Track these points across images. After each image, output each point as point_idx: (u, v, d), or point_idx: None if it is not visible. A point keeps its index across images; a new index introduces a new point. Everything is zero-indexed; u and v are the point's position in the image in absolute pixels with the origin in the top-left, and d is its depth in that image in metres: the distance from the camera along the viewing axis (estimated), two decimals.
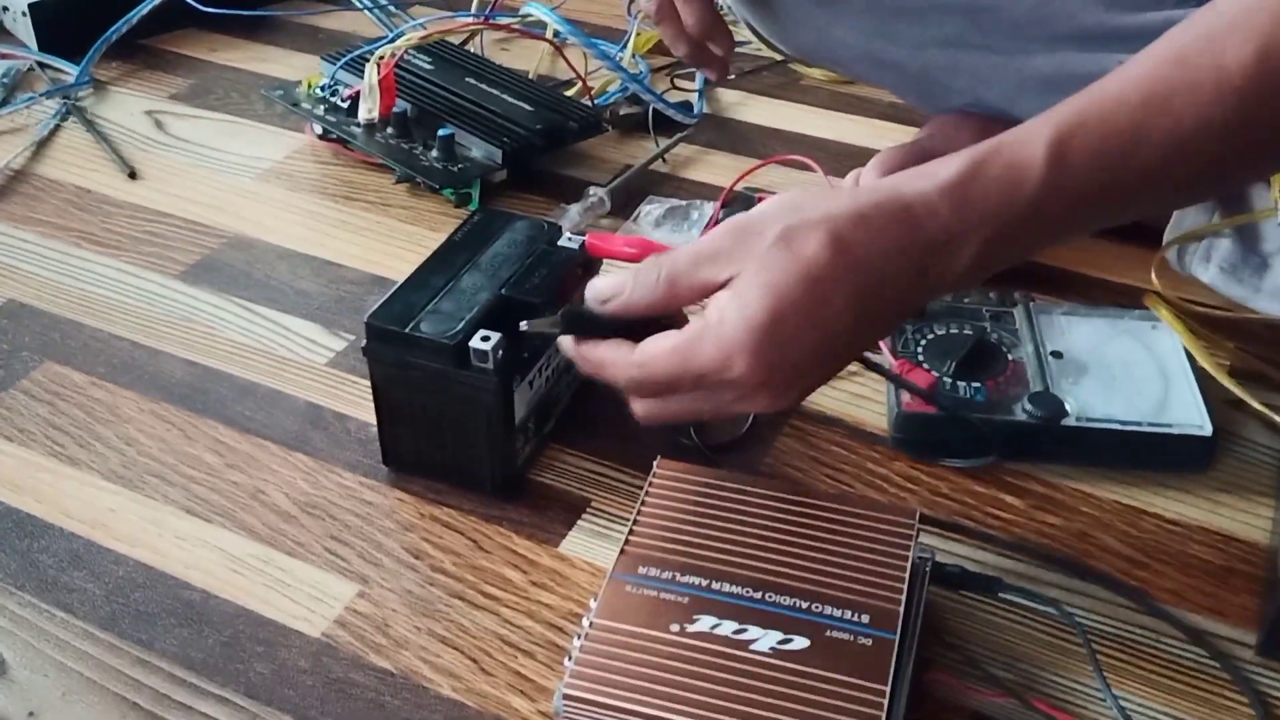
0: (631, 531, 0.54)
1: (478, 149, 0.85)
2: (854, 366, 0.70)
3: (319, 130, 0.90)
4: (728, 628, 0.49)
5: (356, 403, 0.68)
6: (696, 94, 1.00)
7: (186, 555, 0.59)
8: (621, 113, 0.95)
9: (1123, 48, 0.75)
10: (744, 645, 0.49)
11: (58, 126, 0.95)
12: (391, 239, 0.83)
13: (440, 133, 0.84)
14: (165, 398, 0.69)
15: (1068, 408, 0.64)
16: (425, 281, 0.62)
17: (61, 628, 0.55)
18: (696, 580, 0.52)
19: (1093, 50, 0.75)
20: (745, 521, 0.54)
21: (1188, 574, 0.59)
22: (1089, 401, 0.65)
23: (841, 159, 0.91)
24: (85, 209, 0.86)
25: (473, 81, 0.92)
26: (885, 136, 0.95)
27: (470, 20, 1.00)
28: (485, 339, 0.58)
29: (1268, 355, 0.72)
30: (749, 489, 0.56)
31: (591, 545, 0.60)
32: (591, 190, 0.85)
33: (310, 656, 0.54)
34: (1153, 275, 0.77)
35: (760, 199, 0.85)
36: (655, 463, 0.58)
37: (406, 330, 0.59)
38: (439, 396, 0.60)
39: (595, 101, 0.95)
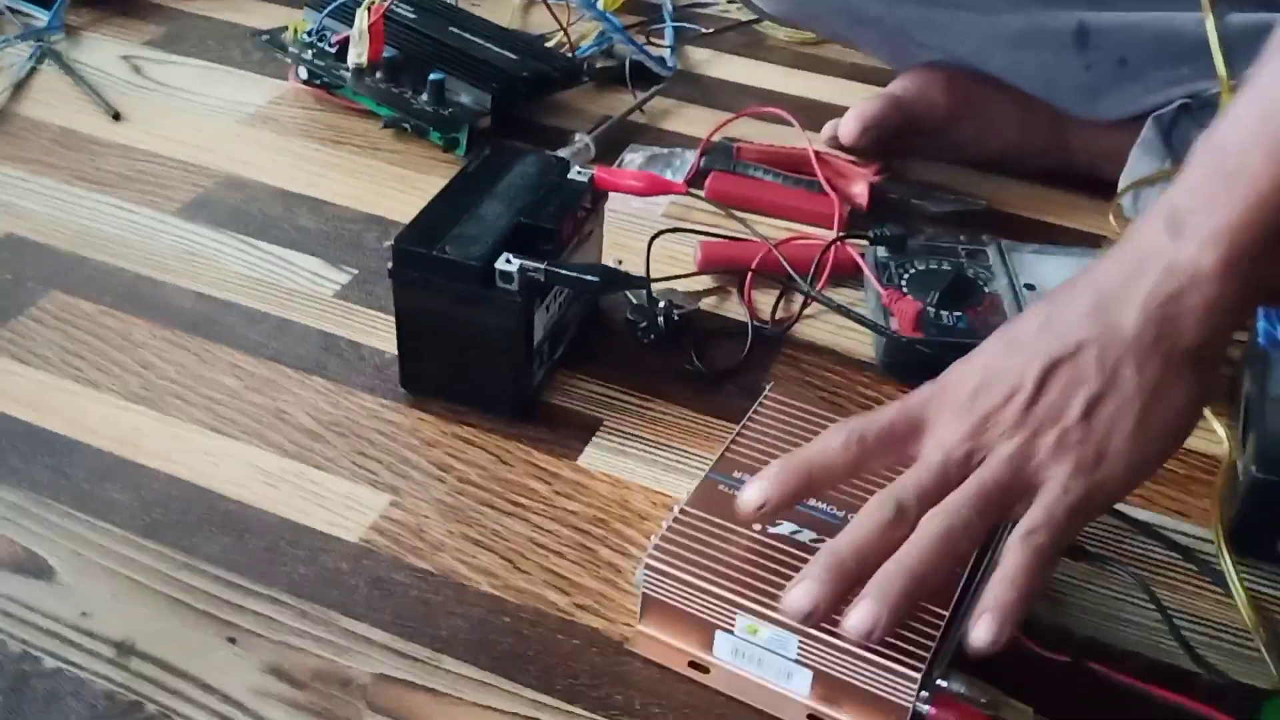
0: (733, 441, 0.58)
1: (466, 95, 0.88)
2: (854, 294, 0.74)
3: (304, 75, 0.92)
4: (806, 535, 0.52)
5: (369, 331, 0.71)
6: (668, 50, 1.03)
7: (218, 470, 0.61)
8: (599, 66, 0.98)
9: (1088, 4, 0.81)
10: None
11: (34, 69, 0.95)
12: (383, 181, 0.85)
13: (431, 77, 0.86)
14: (177, 325, 0.70)
15: None
16: (445, 209, 0.65)
17: (104, 536, 0.57)
18: None
19: (1058, 7, 0.81)
20: None
21: (1154, 481, 0.64)
22: None
23: (810, 113, 0.94)
24: (72, 148, 0.86)
25: (457, 31, 0.94)
26: (850, 94, 0.99)
27: None
28: (509, 261, 0.61)
29: None
30: None
31: (609, 459, 0.63)
32: (577, 136, 0.88)
33: (351, 559, 0.57)
34: (1111, 220, 0.83)
35: (738, 149, 0.88)
36: (767, 387, 0.61)
37: (433, 253, 0.61)
38: (463, 318, 0.62)
39: (575, 53, 0.97)
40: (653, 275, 0.72)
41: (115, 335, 0.69)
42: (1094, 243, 0.81)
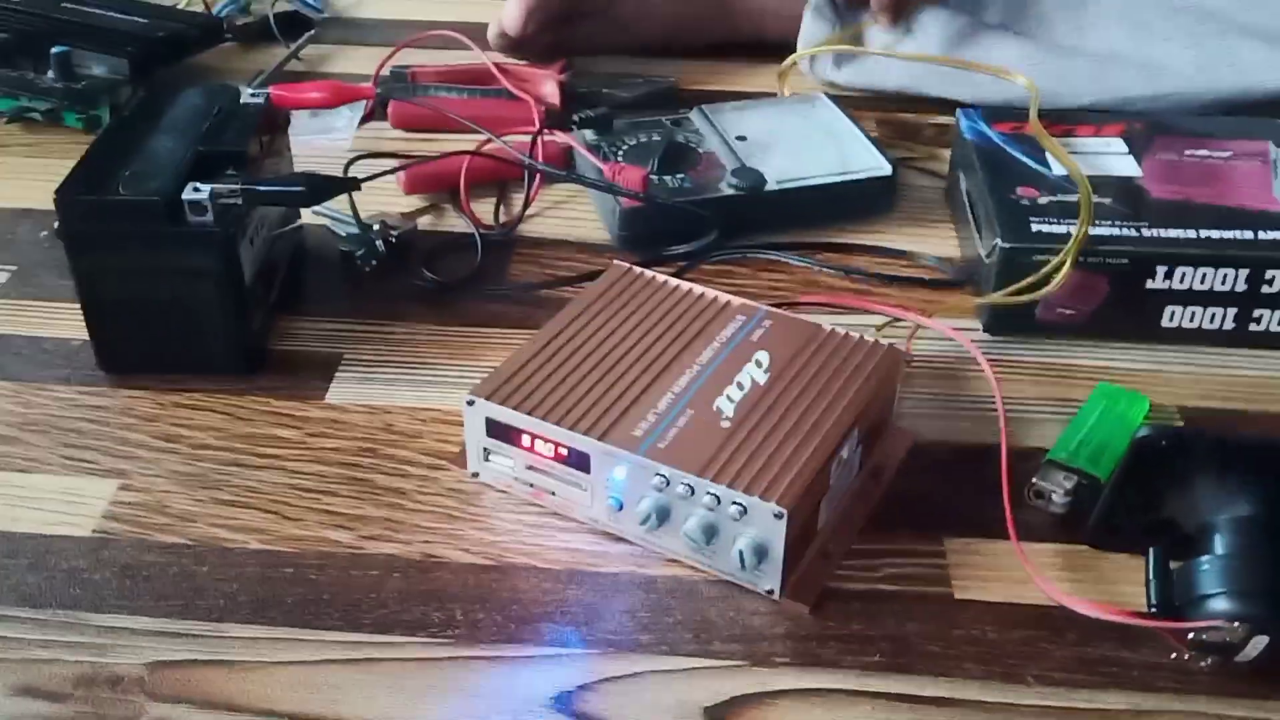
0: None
1: (99, 65, 0.78)
2: (573, 189, 0.71)
3: None
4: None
5: (45, 323, 0.61)
6: None
7: None
8: (239, 24, 0.90)
9: None
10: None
11: None
12: (22, 174, 0.74)
13: (54, 51, 0.76)
14: None
15: (766, 176, 0.68)
16: (107, 154, 0.56)
17: None
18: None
19: None
20: None
21: (906, 289, 0.65)
22: (782, 168, 0.69)
23: (479, 38, 0.90)
24: None
25: (71, 5, 0.84)
26: None
27: None
28: (198, 189, 0.53)
29: (905, 126, 0.81)
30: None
31: (359, 390, 0.57)
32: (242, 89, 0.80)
33: (88, 554, 0.48)
34: (785, 87, 0.83)
35: (413, 75, 0.83)
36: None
37: (107, 197, 0.53)
38: (156, 269, 0.55)
39: (212, 12, 0.89)
40: (360, 206, 0.66)
41: None
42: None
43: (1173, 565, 0.45)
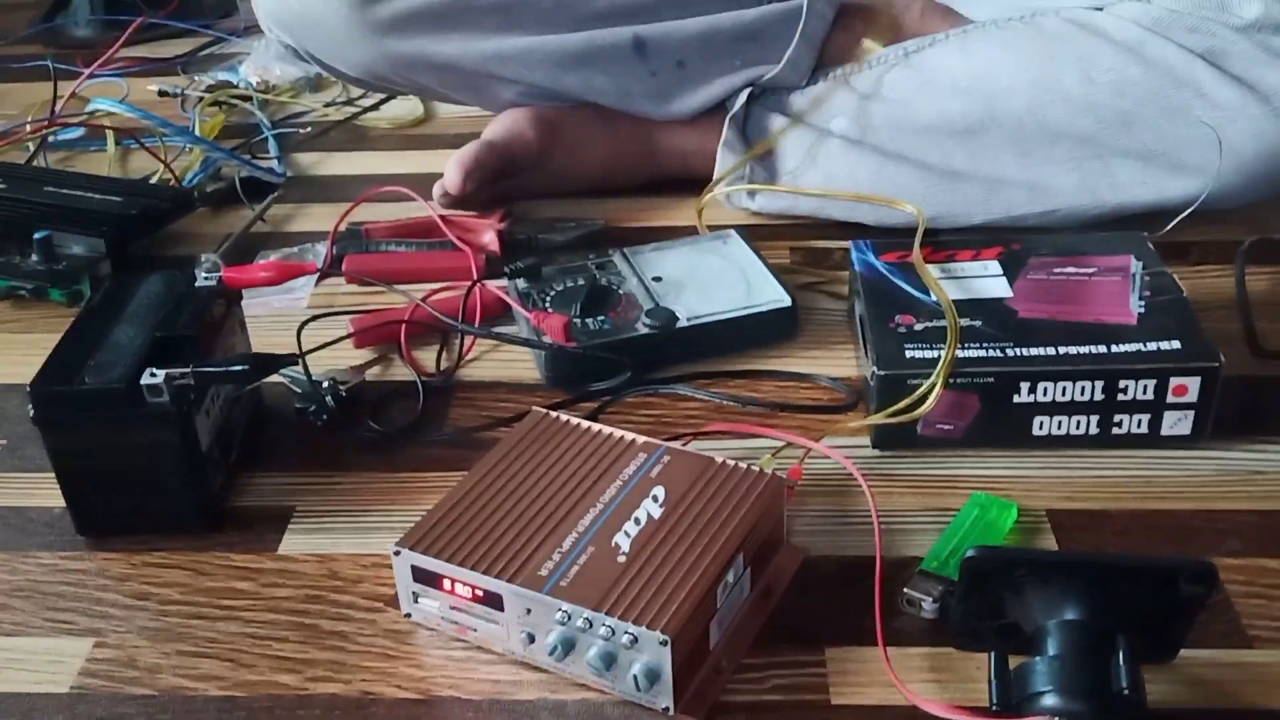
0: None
1: (78, 245, 0.86)
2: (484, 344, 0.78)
3: None
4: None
5: (31, 494, 0.68)
6: (276, 160, 1.05)
7: None
8: (209, 190, 0.98)
9: (639, 19, 0.90)
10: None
11: None
12: (11, 350, 0.82)
13: (36, 236, 0.84)
14: None
15: (678, 314, 0.75)
16: (75, 345, 0.64)
17: None
18: None
19: (613, 24, 0.89)
20: None
21: (808, 414, 0.71)
22: (693, 306, 0.76)
23: (429, 187, 0.98)
24: None
25: (53, 189, 0.92)
26: None
27: (35, 125, 0.99)
28: (153, 375, 0.60)
29: (815, 253, 0.88)
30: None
31: (309, 541, 0.64)
32: (204, 257, 0.87)
33: (65, 710, 0.55)
34: (703, 223, 0.91)
35: (366, 230, 0.91)
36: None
37: (74, 388, 0.60)
38: (122, 445, 0.62)
39: (183, 183, 0.98)
40: (316, 360, 0.73)
41: None
42: (695, 232, 0.89)
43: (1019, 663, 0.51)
